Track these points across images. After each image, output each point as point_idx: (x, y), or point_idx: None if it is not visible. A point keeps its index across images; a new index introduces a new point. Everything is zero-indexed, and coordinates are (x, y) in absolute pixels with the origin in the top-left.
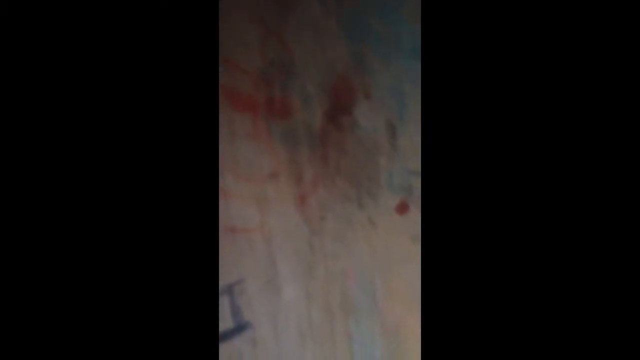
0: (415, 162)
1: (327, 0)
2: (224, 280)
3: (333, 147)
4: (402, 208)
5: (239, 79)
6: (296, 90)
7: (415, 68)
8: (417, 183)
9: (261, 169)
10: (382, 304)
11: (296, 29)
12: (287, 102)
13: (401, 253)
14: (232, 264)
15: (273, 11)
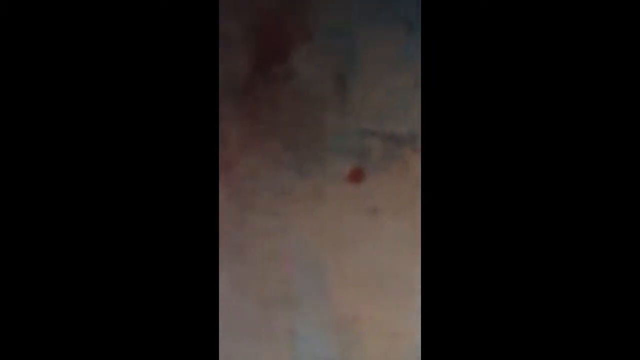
0: (372, 119)
1: None
2: None
3: (263, 102)
4: (356, 175)
5: None
6: None
7: (370, 1)
8: (375, 145)
9: None
10: (332, 292)
11: None
12: None
13: (356, 229)
14: None
15: None
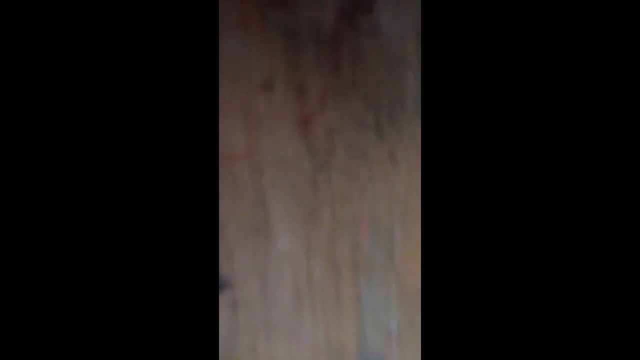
0: None
1: None
2: None
3: (347, 54)
4: None
5: None
6: None
7: None
8: None
9: (250, 74)
10: (400, 262)
11: None
12: None
13: None
14: None
15: None
